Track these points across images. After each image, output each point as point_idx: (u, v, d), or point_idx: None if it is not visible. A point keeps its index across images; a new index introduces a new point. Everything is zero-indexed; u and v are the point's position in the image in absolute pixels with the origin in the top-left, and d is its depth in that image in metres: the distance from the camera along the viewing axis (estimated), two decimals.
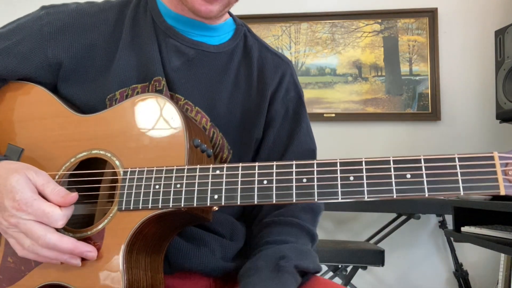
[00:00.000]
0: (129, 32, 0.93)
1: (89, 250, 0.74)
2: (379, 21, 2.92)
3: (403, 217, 2.59)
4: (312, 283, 0.87)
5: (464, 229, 2.04)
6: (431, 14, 2.86)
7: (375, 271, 2.81)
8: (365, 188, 0.66)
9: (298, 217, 0.92)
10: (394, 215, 2.65)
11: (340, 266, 2.30)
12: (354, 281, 2.37)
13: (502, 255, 2.38)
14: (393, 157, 0.66)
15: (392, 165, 0.66)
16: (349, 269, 2.30)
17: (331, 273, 2.36)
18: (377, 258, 2.11)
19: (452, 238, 2.48)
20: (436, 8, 2.85)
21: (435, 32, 2.84)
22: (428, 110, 2.82)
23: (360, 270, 2.27)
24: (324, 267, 2.39)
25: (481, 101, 2.77)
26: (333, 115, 2.90)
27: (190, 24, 0.95)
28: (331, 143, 2.79)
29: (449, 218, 2.41)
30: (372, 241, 2.64)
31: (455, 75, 2.83)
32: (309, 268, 0.84)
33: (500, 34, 2.28)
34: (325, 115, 2.90)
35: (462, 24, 2.85)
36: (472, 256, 2.70)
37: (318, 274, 0.91)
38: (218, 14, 0.91)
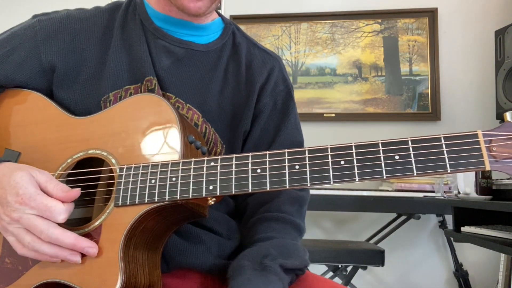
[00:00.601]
0: (119, 35, 0.95)
1: (90, 245, 0.74)
2: (379, 21, 2.92)
3: (403, 217, 2.59)
4: (312, 282, 0.87)
5: (464, 229, 2.03)
6: (431, 14, 2.86)
7: (375, 271, 2.80)
8: (356, 171, 0.68)
9: (284, 211, 0.93)
10: (394, 215, 2.65)
11: (340, 266, 2.30)
12: (354, 281, 2.36)
13: (502, 255, 2.37)
14: (381, 140, 0.68)
15: (381, 148, 0.68)
16: (349, 269, 2.29)
17: (331, 273, 2.36)
18: (377, 258, 2.11)
19: (452, 238, 2.48)
20: (436, 8, 2.85)
21: (435, 32, 2.84)
22: (428, 110, 2.82)
23: (360, 270, 2.26)
24: (324, 267, 2.39)
25: (481, 101, 2.77)
26: (333, 115, 2.90)
27: (178, 25, 0.97)
28: (331, 143, 2.76)
29: (449, 218, 2.41)
30: (372, 241, 2.64)
31: (455, 75, 2.83)
32: (295, 265, 0.84)
33: (500, 34, 2.28)
34: (325, 115, 2.90)
35: (462, 24, 2.85)
36: (472, 256, 2.70)
37: (319, 274, 0.91)
38: (206, 11, 0.92)
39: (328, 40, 2.96)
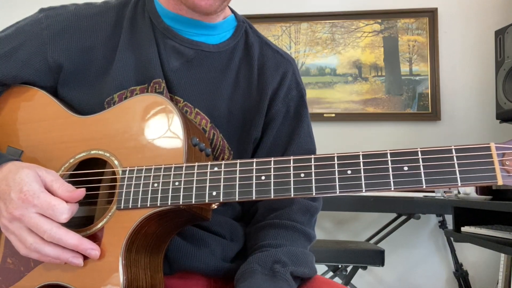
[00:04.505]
0: (127, 34, 0.92)
1: (92, 247, 0.74)
2: (379, 21, 2.92)
3: (403, 217, 2.59)
4: (313, 283, 0.87)
5: (464, 229, 2.04)
6: (431, 14, 2.86)
7: (375, 271, 2.80)
8: (363, 182, 0.66)
9: (295, 219, 0.91)
10: (394, 215, 2.65)
11: (340, 266, 2.30)
12: (354, 281, 2.37)
13: (502, 255, 2.38)
14: (390, 150, 0.66)
15: (389, 158, 0.66)
16: (349, 269, 2.29)
17: (331, 273, 2.36)
18: (377, 258, 2.11)
19: (452, 238, 2.48)
20: (436, 8, 2.85)
21: (435, 32, 2.84)
22: (428, 110, 2.82)
23: (360, 270, 2.27)
24: (324, 267, 2.39)
25: (481, 101, 2.77)
26: (333, 115, 2.90)
27: (189, 24, 0.94)
28: (331, 143, 2.79)
29: (449, 218, 2.41)
30: (372, 241, 2.64)
31: (455, 75, 2.83)
32: (305, 273, 0.84)
33: (500, 34, 2.28)
34: (325, 115, 2.90)
35: (462, 24, 2.85)
36: (472, 256, 2.70)
37: (318, 274, 0.91)
38: (218, 8, 0.89)
39: (328, 40, 2.96)
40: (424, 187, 0.64)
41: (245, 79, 0.96)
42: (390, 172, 0.65)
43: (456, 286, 2.67)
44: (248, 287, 0.77)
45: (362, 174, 0.66)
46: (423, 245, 2.78)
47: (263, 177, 0.71)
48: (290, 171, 0.70)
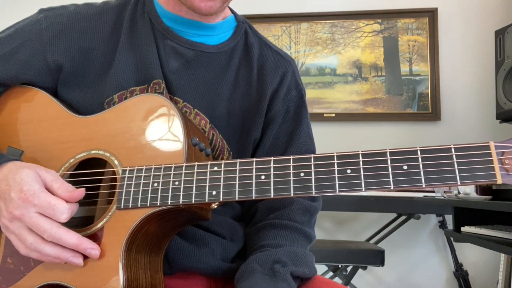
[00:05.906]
0: (127, 35, 0.92)
1: (92, 247, 0.74)
2: (379, 21, 2.92)
3: (403, 217, 2.59)
4: (313, 283, 0.87)
5: (464, 229, 2.04)
6: (431, 14, 2.86)
7: (375, 271, 2.80)
8: (362, 181, 0.66)
9: (294, 219, 0.91)
10: (394, 215, 2.65)
11: (340, 266, 2.30)
12: (354, 281, 2.37)
13: (502, 255, 2.38)
14: (389, 149, 0.67)
15: (388, 157, 0.66)
16: (349, 269, 2.29)
17: (331, 273, 2.36)
18: (377, 258, 2.11)
19: (452, 238, 2.48)
20: (436, 8, 2.85)
21: (435, 32, 2.84)
22: (428, 110, 2.82)
23: (360, 270, 2.27)
24: (324, 267, 2.39)
25: (481, 101, 2.77)
26: (333, 115, 2.90)
27: (188, 25, 0.94)
28: (331, 143, 2.79)
29: (449, 218, 2.41)
30: (372, 241, 2.64)
31: (455, 75, 2.83)
32: (305, 273, 0.84)
33: (500, 34, 2.28)
34: (325, 115, 2.90)
35: (462, 24, 2.85)
36: (472, 256, 2.70)
37: (318, 274, 0.91)
38: (219, 10, 0.89)
39: (328, 40, 2.96)
40: (424, 186, 0.64)
41: (245, 79, 0.96)
42: (390, 171, 0.65)
43: (456, 286, 2.67)
44: (248, 287, 0.77)
45: (362, 173, 0.66)
46: (423, 245, 2.78)
47: (262, 177, 0.71)
48: (289, 170, 0.70)
